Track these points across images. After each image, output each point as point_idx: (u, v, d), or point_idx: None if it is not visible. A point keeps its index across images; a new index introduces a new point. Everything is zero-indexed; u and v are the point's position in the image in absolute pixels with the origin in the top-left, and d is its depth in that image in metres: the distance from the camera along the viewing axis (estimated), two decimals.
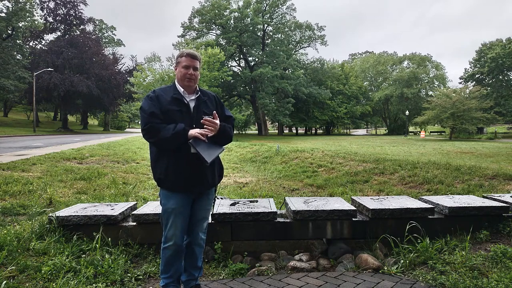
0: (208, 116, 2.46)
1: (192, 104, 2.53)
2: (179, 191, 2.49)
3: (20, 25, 36.54)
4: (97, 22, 53.18)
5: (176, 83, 2.58)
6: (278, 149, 13.36)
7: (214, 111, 2.48)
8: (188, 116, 2.48)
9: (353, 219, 3.61)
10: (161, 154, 2.49)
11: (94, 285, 2.76)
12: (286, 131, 69.60)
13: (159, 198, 2.65)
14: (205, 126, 2.40)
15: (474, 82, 46.51)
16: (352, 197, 4.29)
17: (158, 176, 2.51)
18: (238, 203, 3.96)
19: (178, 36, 46.97)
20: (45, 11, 43.17)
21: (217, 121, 2.43)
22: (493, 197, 4.26)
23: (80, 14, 44.89)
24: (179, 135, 2.34)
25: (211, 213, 3.54)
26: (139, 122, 2.45)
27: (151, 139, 2.43)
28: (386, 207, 3.63)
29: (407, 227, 3.47)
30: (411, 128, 58.30)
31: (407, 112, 46.77)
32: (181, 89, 2.54)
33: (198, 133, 2.35)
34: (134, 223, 3.55)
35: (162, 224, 2.58)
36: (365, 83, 62.56)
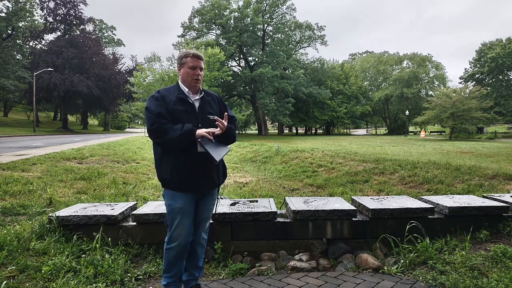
0: (212, 116, 2.52)
1: (196, 104, 2.56)
2: (185, 191, 2.49)
3: (20, 25, 36.49)
4: (97, 22, 53.21)
5: (180, 83, 2.58)
6: (278, 149, 13.36)
7: (226, 113, 2.50)
8: (193, 115, 2.50)
9: (353, 219, 3.61)
10: (166, 153, 2.49)
11: (94, 285, 2.76)
12: (286, 131, 69.60)
13: (161, 199, 2.65)
14: (216, 123, 2.44)
15: (474, 82, 46.51)
16: (352, 197, 4.29)
17: (163, 176, 2.50)
18: (238, 203, 3.96)
19: (178, 36, 46.98)
20: (45, 11, 43.23)
21: (226, 123, 2.46)
22: (493, 197, 4.26)
23: (80, 14, 44.93)
24: (187, 135, 2.35)
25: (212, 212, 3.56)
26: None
27: (158, 140, 2.43)
28: (386, 207, 3.63)
29: (407, 227, 3.47)
30: (411, 128, 58.29)
31: (407, 112, 46.77)
32: (185, 89, 2.55)
33: (206, 133, 2.38)
34: (134, 223, 3.55)
35: (166, 224, 2.56)
36: (365, 83, 62.57)
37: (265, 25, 46.37)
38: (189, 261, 2.68)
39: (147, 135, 2.41)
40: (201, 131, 2.38)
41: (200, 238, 2.68)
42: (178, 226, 2.49)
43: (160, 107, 2.42)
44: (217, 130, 2.43)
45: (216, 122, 2.44)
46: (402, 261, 3.17)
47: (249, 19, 43.45)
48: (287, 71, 45.63)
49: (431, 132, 55.13)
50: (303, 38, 51.68)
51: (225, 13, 43.57)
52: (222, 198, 4.47)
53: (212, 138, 2.40)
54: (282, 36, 48.28)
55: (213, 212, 2.78)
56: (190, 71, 2.52)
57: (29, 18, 37.17)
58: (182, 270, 2.64)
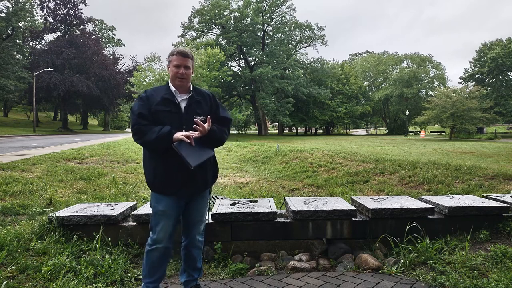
0: (200, 117, 2.40)
1: (183, 104, 2.45)
2: (168, 194, 2.43)
3: (20, 25, 36.48)
4: (97, 22, 53.20)
5: (169, 82, 2.51)
6: (278, 149, 13.35)
7: (209, 116, 2.39)
8: (177, 116, 2.40)
9: (353, 219, 3.61)
10: (151, 156, 2.44)
11: (94, 285, 2.76)
12: (286, 131, 69.61)
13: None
14: (194, 127, 2.34)
15: (474, 82, 46.54)
16: (352, 197, 4.29)
17: (148, 178, 2.47)
18: (238, 203, 3.96)
19: (178, 36, 47.09)
20: (45, 11, 43.23)
21: (207, 126, 2.35)
22: (493, 197, 4.26)
23: (80, 14, 44.93)
24: (163, 138, 2.27)
25: (210, 213, 3.55)
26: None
27: (138, 141, 2.38)
28: (386, 207, 3.63)
29: (407, 227, 3.47)
30: (411, 128, 58.34)
31: (407, 112, 46.80)
32: (173, 89, 2.46)
33: (184, 136, 2.28)
34: (134, 223, 3.55)
35: (151, 226, 2.50)
36: (365, 83, 62.60)
37: (265, 25, 46.41)
38: (187, 263, 2.66)
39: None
40: (178, 135, 2.28)
41: (196, 241, 2.62)
42: (162, 229, 2.44)
43: (143, 107, 2.36)
44: (196, 133, 2.32)
45: (194, 125, 2.33)
46: (402, 261, 3.17)
47: (249, 19, 43.49)
48: (287, 71, 45.65)
49: (431, 132, 55.15)
50: (303, 38, 51.72)
51: (225, 13, 43.61)
52: (221, 198, 4.47)
53: (190, 141, 2.28)
54: (282, 36, 48.31)
55: (209, 213, 2.73)
56: (174, 70, 2.43)
57: (29, 18, 37.15)
58: (164, 274, 2.59)
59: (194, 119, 2.36)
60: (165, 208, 2.44)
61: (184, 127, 2.38)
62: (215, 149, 2.59)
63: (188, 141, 2.28)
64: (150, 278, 2.50)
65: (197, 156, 2.31)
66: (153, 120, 2.35)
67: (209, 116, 2.39)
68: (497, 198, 4.17)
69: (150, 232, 2.51)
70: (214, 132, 2.42)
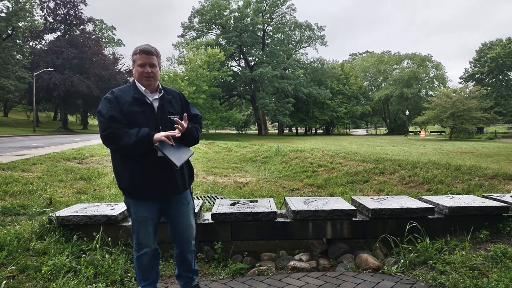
0: (174, 116, 2.36)
1: (155, 104, 2.36)
2: (147, 200, 2.37)
3: (20, 25, 36.47)
4: (97, 22, 53.21)
5: (136, 81, 2.38)
6: (278, 149, 13.35)
7: (185, 114, 2.33)
8: (152, 117, 2.32)
9: (353, 219, 3.61)
10: (125, 160, 2.32)
11: (94, 285, 2.76)
12: (286, 131, 69.61)
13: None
14: (175, 126, 2.29)
15: (474, 82, 46.56)
16: (352, 197, 4.29)
17: (124, 185, 2.37)
18: (238, 203, 3.96)
19: (178, 36, 47.22)
20: (45, 11, 43.20)
21: (185, 124, 2.31)
22: (493, 197, 4.26)
23: (80, 14, 44.92)
24: (143, 140, 2.18)
25: (210, 213, 3.55)
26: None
27: (112, 146, 2.25)
28: (386, 207, 3.63)
29: (407, 227, 3.47)
30: (411, 128, 58.35)
31: (407, 112, 46.81)
32: (142, 88, 2.35)
33: (165, 136, 2.21)
34: None
35: (133, 232, 2.46)
36: (365, 83, 62.63)
37: (265, 25, 46.45)
38: (182, 268, 2.64)
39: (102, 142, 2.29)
40: (159, 135, 2.20)
41: (190, 245, 2.57)
42: (146, 233, 2.41)
43: (113, 109, 2.22)
44: (176, 133, 2.25)
45: (175, 125, 2.27)
46: (402, 261, 3.17)
47: (249, 19, 43.52)
48: (287, 71, 45.68)
49: (431, 132, 55.15)
50: (303, 38, 51.78)
51: (225, 13, 43.64)
52: (222, 198, 4.47)
53: (171, 142, 2.23)
54: (282, 36, 48.34)
55: (194, 219, 2.59)
56: (139, 69, 2.31)
57: (29, 18, 37.13)
58: (158, 274, 2.58)
59: (174, 119, 2.30)
60: (146, 214, 2.38)
61: (160, 127, 2.30)
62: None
63: (170, 141, 2.22)
64: (146, 281, 2.49)
65: (179, 156, 2.27)
66: (126, 122, 2.23)
67: (185, 114, 2.34)
68: (497, 198, 4.17)
69: (134, 238, 2.46)
70: (191, 130, 2.37)
